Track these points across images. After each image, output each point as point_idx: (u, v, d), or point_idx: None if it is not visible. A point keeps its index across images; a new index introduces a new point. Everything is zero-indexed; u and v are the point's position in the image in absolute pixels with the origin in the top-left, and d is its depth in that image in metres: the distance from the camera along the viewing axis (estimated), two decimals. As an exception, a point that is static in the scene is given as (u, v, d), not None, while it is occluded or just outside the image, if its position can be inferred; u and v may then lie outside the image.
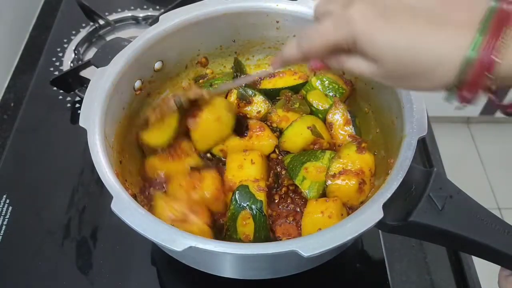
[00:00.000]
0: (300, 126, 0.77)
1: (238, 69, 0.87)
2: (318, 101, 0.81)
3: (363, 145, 0.73)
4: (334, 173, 0.71)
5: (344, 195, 0.70)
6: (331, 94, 0.82)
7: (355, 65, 0.49)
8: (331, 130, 0.79)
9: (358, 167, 0.71)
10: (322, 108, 0.81)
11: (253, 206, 0.68)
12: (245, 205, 0.68)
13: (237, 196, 0.69)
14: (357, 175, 0.70)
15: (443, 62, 0.42)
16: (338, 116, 0.79)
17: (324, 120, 0.80)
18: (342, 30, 0.46)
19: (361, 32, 0.45)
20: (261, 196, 0.69)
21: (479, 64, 0.41)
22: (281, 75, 0.85)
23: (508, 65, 0.40)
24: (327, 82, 0.82)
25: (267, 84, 0.85)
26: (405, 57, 0.44)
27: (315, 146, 0.78)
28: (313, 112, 0.81)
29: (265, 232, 0.68)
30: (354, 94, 0.83)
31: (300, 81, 0.84)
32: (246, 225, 0.68)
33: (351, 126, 0.78)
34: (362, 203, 0.70)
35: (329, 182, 0.71)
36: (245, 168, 0.72)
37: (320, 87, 0.82)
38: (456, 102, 0.45)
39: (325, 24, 0.48)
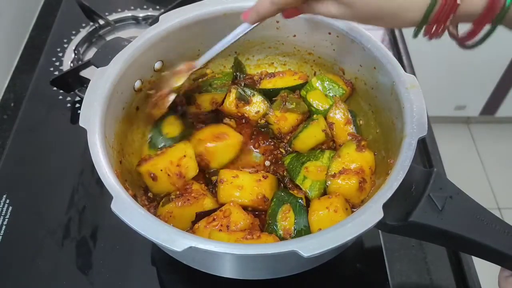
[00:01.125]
0: (315, 129, 0.77)
1: (238, 69, 0.87)
2: (318, 102, 0.81)
3: (362, 143, 0.73)
4: (334, 173, 0.71)
5: (345, 194, 0.70)
6: (331, 94, 0.82)
7: (326, 9, 0.55)
8: (332, 130, 0.79)
9: (358, 166, 0.71)
10: (322, 109, 0.81)
11: (294, 200, 0.70)
12: (286, 199, 0.70)
13: (280, 194, 0.71)
14: (357, 174, 0.70)
15: (413, 4, 0.50)
16: (339, 116, 0.79)
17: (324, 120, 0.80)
18: None
19: None
20: (301, 195, 0.71)
21: (442, 6, 0.49)
22: (281, 75, 0.85)
23: (466, 6, 0.49)
24: (327, 82, 0.82)
25: (267, 84, 0.85)
26: (379, 2, 0.50)
27: (323, 146, 0.78)
28: (312, 112, 0.81)
29: (304, 222, 0.68)
30: (354, 95, 0.83)
31: (300, 82, 0.84)
32: (286, 219, 0.68)
33: (352, 126, 0.78)
34: (363, 201, 0.71)
35: (329, 182, 0.71)
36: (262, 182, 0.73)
37: (320, 87, 0.82)
38: (423, 35, 0.53)
39: None
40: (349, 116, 0.79)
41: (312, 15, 0.58)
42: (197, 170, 0.74)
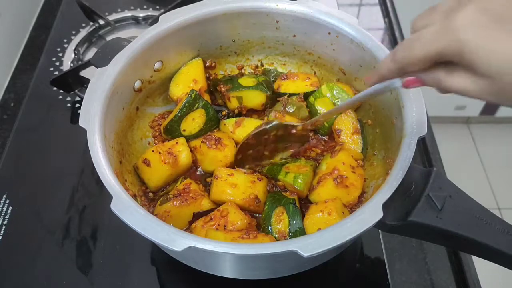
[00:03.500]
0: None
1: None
2: (325, 109, 0.80)
3: (336, 148, 0.74)
4: (313, 185, 0.72)
5: (329, 197, 0.70)
6: (339, 103, 0.81)
7: (457, 82, 0.43)
8: (339, 137, 0.78)
9: (332, 167, 0.72)
10: None
11: (287, 202, 0.70)
12: (279, 202, 0.70)
13: (272, 197, 0.72)
14: (331, 174, 0.71)
15: None
16: (347, 124, 0.78)
17: (330, 127, 0.80)
18: (446, 39, 0.41)
19: (471, 41, 0.39)
20: (294, 197, 0.71)
21: None
22: (294, 78, 0.85)
23: None
24: (336, 91, 0.81)
25: (279, 87, 0.85)
26: None
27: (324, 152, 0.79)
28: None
29: (299, 224, 0.68)
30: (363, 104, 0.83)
31: (312, 89, 0.83)
32: (280, 221, 0.69)
33: (360, 136, 0.77)
34: (363, 197, 0.71)
35: (312, 196, 0.72)
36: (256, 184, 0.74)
37: (329, 95, 0.81)
38: None
39: (425, 32, 0.43)
40: (358, 125, 0.78)
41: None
42: (191, 157, 0.76)
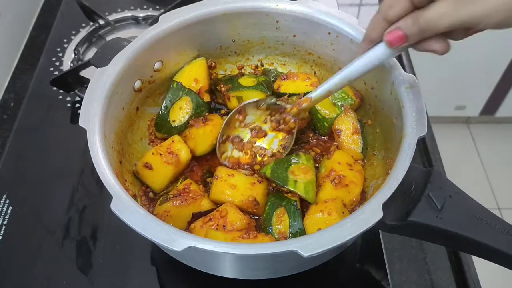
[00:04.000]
0: None
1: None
2: (325, 109, 0.80)
3: (331, 148, 0.75)
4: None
5: (329, 198, 0.69)
6: (339, 103, 0.81)
7: (432, 12, 0.50)
8: (339, 137, 0.78)
9: (329, 169, 0.72)
10: (329, 117, 0.80)
11: (289, 203, 0.70)
12: (280, 203, 0.70)
13: (274, 197, 0.71)
14: (328, 177, 0.71)
15: None
16: (347, 124, 0.78)
17: (330, 128, 0.80)
18: None
19: None
20: (295, 198, 0.71)
21: None
22: (295, 78, 0.85)
23: None
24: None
25: (279, 88, 0.85)
26: None
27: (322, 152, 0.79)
28: (318, 119, 0.81)
29: (299, 225, 0.68)
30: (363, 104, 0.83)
31: (311, 89, 0.82)
32: (281, 222, 0.69)
33: (360, 136, 0.77)
34: (364, 196, 0.71)
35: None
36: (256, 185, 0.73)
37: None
38: None
39: None
40: (358, 125, 0.78)
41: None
42: (189, 152, 0.77)
